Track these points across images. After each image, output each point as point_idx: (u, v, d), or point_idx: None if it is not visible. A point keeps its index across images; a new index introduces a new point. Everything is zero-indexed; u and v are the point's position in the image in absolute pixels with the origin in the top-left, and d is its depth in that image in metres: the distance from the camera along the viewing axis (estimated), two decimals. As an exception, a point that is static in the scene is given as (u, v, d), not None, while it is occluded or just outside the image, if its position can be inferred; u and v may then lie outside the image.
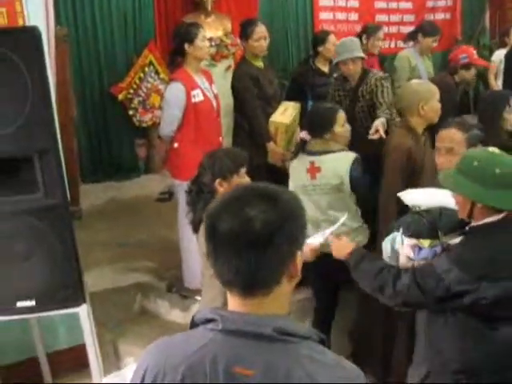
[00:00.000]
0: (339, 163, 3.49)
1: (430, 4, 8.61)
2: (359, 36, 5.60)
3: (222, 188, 2.79)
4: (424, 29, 5.81)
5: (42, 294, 2.75)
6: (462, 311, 2.26)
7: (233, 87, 4.57)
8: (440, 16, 8.66)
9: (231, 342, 1.30)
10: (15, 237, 2.65)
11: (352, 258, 2.55)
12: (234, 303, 1.35)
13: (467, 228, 2.35)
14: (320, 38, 5.41)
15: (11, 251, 2.67)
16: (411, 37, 5.99)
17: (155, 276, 4.62)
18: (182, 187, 3.58)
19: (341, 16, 7.89)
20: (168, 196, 6.01)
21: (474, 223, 2.31)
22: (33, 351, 3.52)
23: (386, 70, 5.84)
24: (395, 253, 2.57)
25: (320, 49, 5.35)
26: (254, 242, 1.27)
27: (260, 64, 4.55)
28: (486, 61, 7.64)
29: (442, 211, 2.56)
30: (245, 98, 4.46)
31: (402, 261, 2.51)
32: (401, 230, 2.55)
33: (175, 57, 4.19)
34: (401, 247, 2.54)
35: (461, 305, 2.22)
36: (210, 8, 6.43)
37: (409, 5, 8.42)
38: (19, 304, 2.76)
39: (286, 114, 4.29)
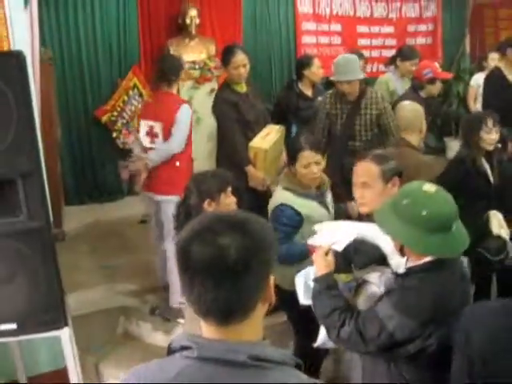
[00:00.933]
0: (272, 201, 3.39)
1: (411, 28, 8.77)
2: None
3: (210, 208, 2.83)
4: (402, 53, 5.92)
5: (24, 317, 2.72)
6: (407, 360, 2.17)
7: (213, 112, 4.62)
8: (421, 40, 8.82)
9: (206, 369, 1.30)
10: (-3, 259, 2.64)
11: (316, 284, 2.41)
12: (210, 331, 1.36)
13: (405, 269, 2.23)
14: (305, 62, 5.46)
15: (-7, 274, 2.65)
16: (391, 61, 6.11)
17: (138, 299, 4.61)
18: (173, 203, 3.57)
19: (323, 40, 8.00)
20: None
21: (411, 264, 2.21)
22: (13, 375, 3.47)
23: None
24: (308, 288, 2.48)
25: (305, 72, 5.39)
26: (230, 270, 1.27)
27: (242, 88, 4.58)
28: (466, 84, 7.81)
29: (356, 245, 2.48)
30: (222, 123, 4.52)
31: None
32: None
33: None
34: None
35: (405, 353, 2.14)
36: (193, 32, 6.50)
37: (390, 29, 8.57)
38: (0, 327, 2.73)
39: (267, 138, 4.32)
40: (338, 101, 4.59)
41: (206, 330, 1.36)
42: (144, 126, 4.40)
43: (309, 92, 5.45)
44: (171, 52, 6.36)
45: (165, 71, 4.42)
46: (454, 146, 4.85)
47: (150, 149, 4.37)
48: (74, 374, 2.98)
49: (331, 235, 2.58)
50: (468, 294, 2.29)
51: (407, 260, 2.25)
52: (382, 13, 8.50)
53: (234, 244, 1.28)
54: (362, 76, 4.54)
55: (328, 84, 5.70)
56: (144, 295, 4.63)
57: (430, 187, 2.17)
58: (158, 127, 4.33)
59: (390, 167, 2.81)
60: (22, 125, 2.52)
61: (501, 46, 5.94)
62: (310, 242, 2.71)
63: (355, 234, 2.52)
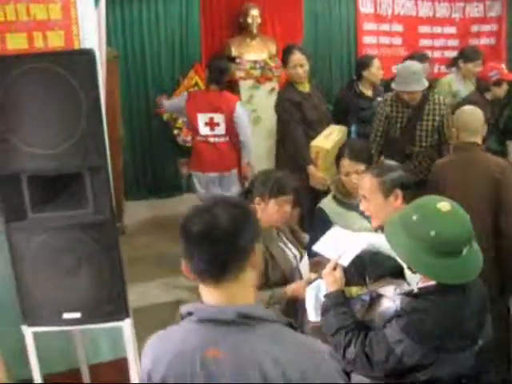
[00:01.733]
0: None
1: (474, 29, 8.56)
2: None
3: (258, 206, 2.79)
4: (465, 54, 5.81)
5: (88, 306, 2.82)
6: None
7: (276, 111, 4.65)
8: (485, 41, 8.60)
9: (204, 329, 1.55)
10: (65, 250, 2.73)
11: (326, 301, 2.32)
12: (207, 294, 1.60)
13: (416, 289, 2.09)
14: (364, 63, 5.45)
15: (60, 264, 2.74)
16: (453, 62, 6.00)
17: (195, 293, 4.65)
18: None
19: (384, 40, 7.90)
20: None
21: (422, 284, 2.09)
22: (74, 363, 3.57)
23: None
24: (319, 302, 2.40)
25: (364, 73, 5.38)
26: (221, 234, 1.51)
27: (305, 88, 4.60)
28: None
29: (371, 256, 2.38)
30: (285, 121, 4.54)
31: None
32: None
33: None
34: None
35: (415, 380, 2.00)
36: (255, 31, 6.54)
37: (453, 30, 8.40)
38: (65, 315, 2.82)
39: (329, 138, 4.33)
40: (400, 104, 4.50)
41: (204, 293, 1.61)
42: (203, 118, 5.06)
43: (369, 92, 5.43)
44: (232, 51, 6.44)
45: (213, 73, 5.08)
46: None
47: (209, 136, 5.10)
48: (134, 364, 3.06)
49: (338, 246, 2.48)
50: (484, 316, 2.13)
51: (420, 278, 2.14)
52: (445, 13, 8.32)
53: (224, 213, 1.53)
54: (423, 87, 4.41)
55: (388, 85, 5.65)
56: (200, 290, 4.68)
57: (445, 205, 2.00)
58: (218, 118, 5.02)
59: (390, 179, 2.67)
60: (91, 120, 2.60)
61: None
62: (315, 248, 2.63)
63: (363, 245, 2.42)
